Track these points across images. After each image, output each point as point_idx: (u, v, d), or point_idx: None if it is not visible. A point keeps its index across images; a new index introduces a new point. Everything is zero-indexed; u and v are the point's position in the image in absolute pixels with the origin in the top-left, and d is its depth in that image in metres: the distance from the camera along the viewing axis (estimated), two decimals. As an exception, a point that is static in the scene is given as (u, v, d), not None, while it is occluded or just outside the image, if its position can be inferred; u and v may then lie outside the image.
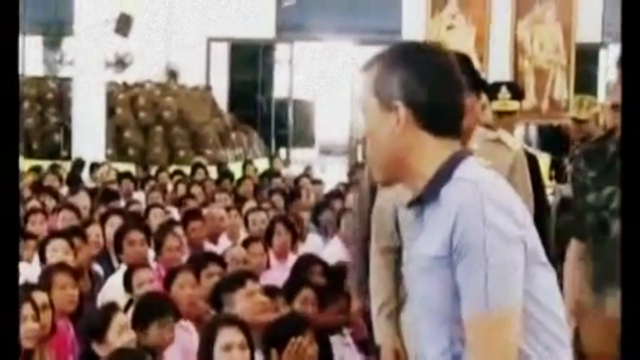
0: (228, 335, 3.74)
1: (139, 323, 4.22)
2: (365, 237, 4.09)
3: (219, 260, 5.42)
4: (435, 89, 2.01)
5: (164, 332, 4.26)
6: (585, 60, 15.67)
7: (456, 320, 1.95)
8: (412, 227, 2.12)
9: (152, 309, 4.31)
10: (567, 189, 6.37)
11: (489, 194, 1.94)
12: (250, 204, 8.36)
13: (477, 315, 1.91)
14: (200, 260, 5.42)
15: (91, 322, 4.13)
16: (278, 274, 5.70)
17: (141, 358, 3.71)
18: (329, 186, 11.01)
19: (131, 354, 3.77)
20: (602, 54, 16.53)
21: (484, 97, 4.32)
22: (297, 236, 7.04)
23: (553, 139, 13.66)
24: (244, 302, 4.43)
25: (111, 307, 4.14)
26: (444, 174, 1.99)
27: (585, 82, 15.77)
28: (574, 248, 3.37)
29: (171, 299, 4.64)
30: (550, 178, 9.50)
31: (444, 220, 1.94)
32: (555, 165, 9.83)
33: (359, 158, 17.34)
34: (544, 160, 7.90)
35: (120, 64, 16.61)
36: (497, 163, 3.29)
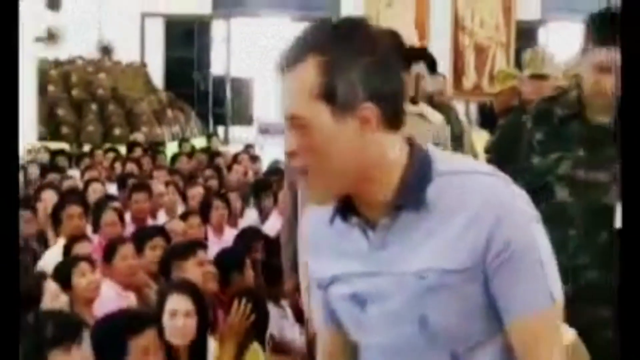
0: (175, 302, 3.86)
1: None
2: (295, 214, 4.12)
3: (164, 233, 5.60)
4: (396, 74, 1.74)
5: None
6: (525, 38, 15.77)
7: (466, 341, 1.76)
8: (360, 243, 1.79)
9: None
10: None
11: (507, 182, 1.76)
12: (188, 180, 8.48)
13: (541, 314, 1.72)
14: (145, 233, 5.61)
15: (26, 292, 4.10)
16: (215, 249, 5.73)
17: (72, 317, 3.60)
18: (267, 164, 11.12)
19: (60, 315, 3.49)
20: (541, 31, 16.76)
21: (421, 68, 4.53)
22: (232, 211, 7.20)
23: (490, 116, 13.87)
24: (194, 270, 4.68)
25: (42, 276, 4.15)
26: (423, 172, 1.74)
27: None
28: None
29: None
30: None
31: (463, 226, 1.69)
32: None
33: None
34: (482, 137, 8.09)
35: (52, 39, 16.48)
36: (417, 136, 3.48)
